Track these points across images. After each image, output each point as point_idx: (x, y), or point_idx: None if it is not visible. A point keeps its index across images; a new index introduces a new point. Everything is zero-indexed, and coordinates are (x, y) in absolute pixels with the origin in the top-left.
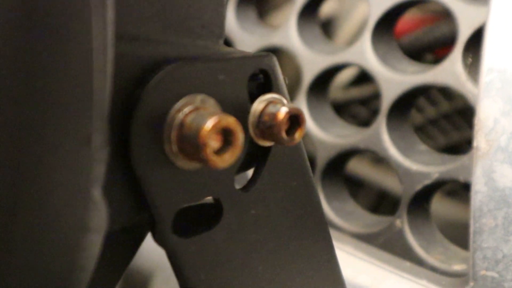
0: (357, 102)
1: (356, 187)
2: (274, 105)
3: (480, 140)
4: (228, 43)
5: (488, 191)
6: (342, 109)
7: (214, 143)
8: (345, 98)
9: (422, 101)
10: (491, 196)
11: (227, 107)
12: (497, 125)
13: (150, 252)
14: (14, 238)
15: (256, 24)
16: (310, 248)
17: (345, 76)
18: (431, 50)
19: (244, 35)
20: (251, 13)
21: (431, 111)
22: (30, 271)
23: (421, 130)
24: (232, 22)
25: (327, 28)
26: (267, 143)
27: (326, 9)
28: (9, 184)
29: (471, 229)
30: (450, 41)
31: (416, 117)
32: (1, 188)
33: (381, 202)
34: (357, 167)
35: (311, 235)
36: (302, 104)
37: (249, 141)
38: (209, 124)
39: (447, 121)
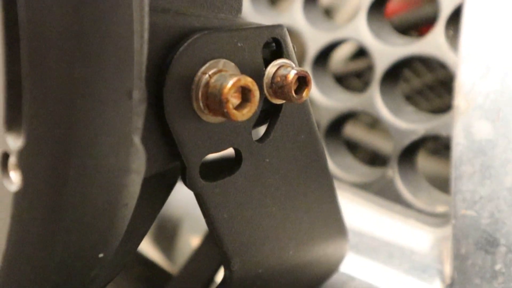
0: (353, 75)
1: (353, 149)
2: (285, 68)
3: (460, 100)
4: None
5: (467, 143)
6: (340, 81)
7: (235, 100)
8: (343, 71)
9: (408, 73)
10: (470, 147)
11: (245, 70)
12: (475, 86)
13: (180, 201)
14: (68, 178)
15: (268, 8)
16: (316, 191)
17: (344, 52)
18: (416, 28)
19: (257, 17)
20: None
21: (416, 82)
22: (82, 207)
23: (408, 98)
24: (247, 6)
25: (328, 14)
26: (279, 101)
27: None
28: (64, 131)
29: (452, 175)
30: (434, 19)
31: (404, 87)
32: (57, 135)
33: (374, 161)
34: (354, 131)
35: (317, 180)
36: None
37: (263, 99)
38: (230, 83)
39: (430, 90)
